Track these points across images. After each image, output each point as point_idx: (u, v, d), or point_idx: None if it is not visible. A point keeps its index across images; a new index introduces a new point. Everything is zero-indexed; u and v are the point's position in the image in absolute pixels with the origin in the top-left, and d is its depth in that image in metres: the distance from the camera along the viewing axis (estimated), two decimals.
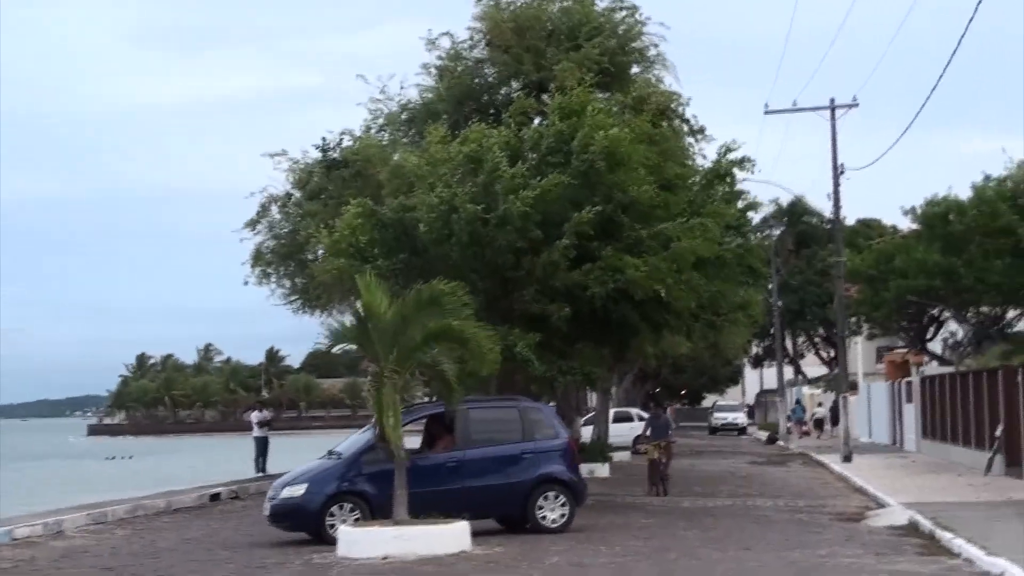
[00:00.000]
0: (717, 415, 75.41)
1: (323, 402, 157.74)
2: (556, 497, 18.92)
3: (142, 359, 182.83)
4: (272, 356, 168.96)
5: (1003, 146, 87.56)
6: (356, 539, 16.28)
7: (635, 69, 28.70)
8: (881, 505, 22.31)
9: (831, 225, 42.49)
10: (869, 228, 57.94)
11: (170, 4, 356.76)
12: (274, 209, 31.51)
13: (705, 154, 28.67)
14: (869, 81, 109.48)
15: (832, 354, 64.90)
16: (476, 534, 16.98)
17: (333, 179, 29.16)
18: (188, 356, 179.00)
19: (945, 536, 16.24)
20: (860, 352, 61.76)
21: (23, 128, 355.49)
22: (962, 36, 20.96)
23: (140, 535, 19.99)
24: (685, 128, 28.89)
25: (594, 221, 21.91)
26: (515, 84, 28.02)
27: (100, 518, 21.80)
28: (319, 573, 14.97)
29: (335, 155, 29.52)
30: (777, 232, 64.54)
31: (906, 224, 44.97)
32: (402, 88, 28.74)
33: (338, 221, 23.80)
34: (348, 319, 20.17)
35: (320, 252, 27.72)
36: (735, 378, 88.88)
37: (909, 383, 42.40)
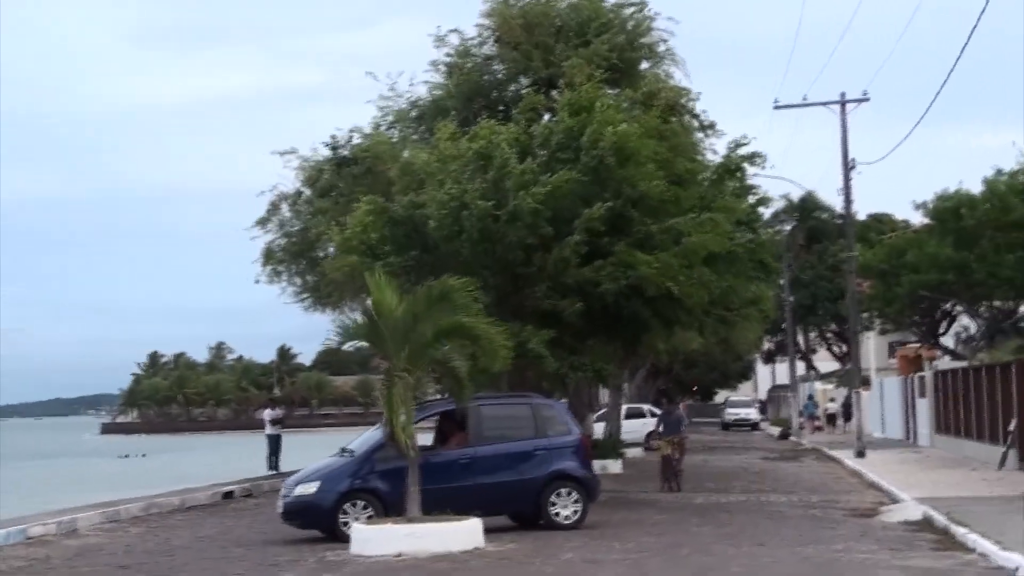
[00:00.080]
0: (729, 411, 75.35)
1: (335, 400, 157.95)
2: (569, 494, 18.90)
3: (154, 357, 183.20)
4: (284, 354, 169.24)
5: (1013, 140, 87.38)
6: (369, 536, 16.28)
7: (644, 65, 28.67)
8: (895, 500, 22.26)
9: (842, 220, 42.40)
10: (881, 223, 57.83)
11: (170, 3, 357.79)
12: (284, 207, 31.55)
13: (715, 149, 28.67)
14: (879, 75, 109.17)
15: (844, 349, 64.79)
16: (489, 531, 16.97)
17: (343, 176, 29.18)
18: (200, 354, 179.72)
19: (959, 531, 16.19)
20: (872, 347, 61.62)
21: (23, 128, 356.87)
22: (973, 29, 20.89)
23: (154, 533, 20.02)
24: (695, 124, 28.85)
25: (604, 217, 21.91)
26: (524, 80, 28.01)
27: (114, 516, 21.84)
28: (332, 570, 14.96)
29: (345, 152, 29.55)
30: (788, 227, 64.40)
31: (918, 219, 44.95)
32: (411, 85, 28.79)
33: (349, 218, 23.83)
34: (359, 316, 20.19)
35: (331, 249, 27.78)
36: (747, 374, 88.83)
37: (922, 378, 42.30)
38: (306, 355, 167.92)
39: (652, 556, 15.49)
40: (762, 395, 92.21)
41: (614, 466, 32.29)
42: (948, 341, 47.50)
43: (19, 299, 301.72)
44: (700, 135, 29.03)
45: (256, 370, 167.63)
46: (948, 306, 45.82)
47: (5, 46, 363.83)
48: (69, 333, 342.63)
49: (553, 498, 18.80)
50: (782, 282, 53.35)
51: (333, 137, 29.82)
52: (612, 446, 34.64)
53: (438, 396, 21.03)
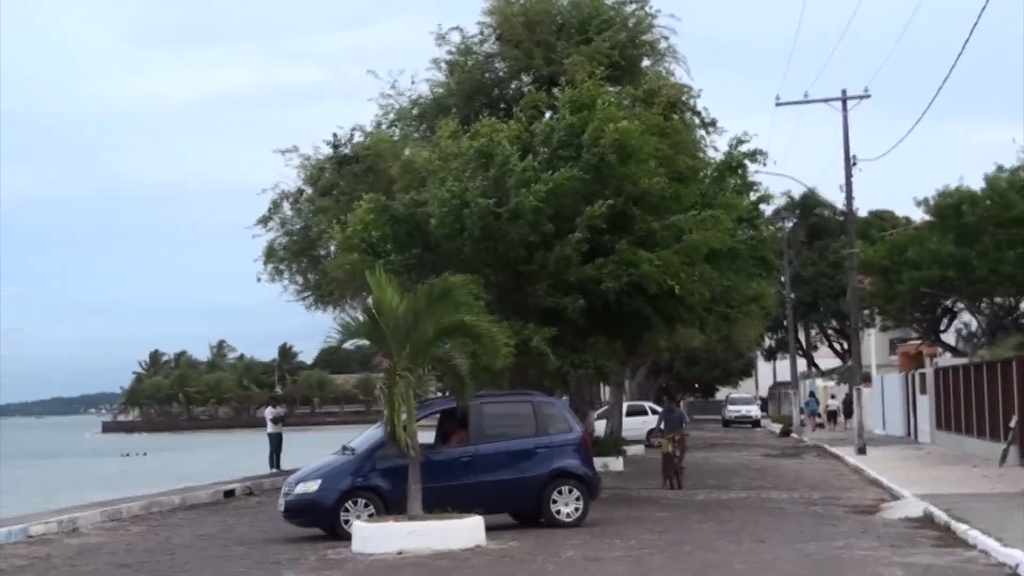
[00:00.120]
0: (730, 408, 75.34)
1: (336, 398, 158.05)
2: (570, 491, 18.91)
3: (155, 356, 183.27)
4: (285, 352, 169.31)
5: (1013, 137, 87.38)
6: (370, 534, 16.29)
7: (646, 62, 28.69)
8: (896, 497, 22.26)
9: (844, 217, 42.39)
10: (882, 219, 57.80)
11: (170, 3, 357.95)
12: (286, 205, 31.55)
13: (717, 146, 28.69)
14: (881, 72, 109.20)
15: (845, 346, 64.83)
16: (490, 529, 16.97)
17: (345, 175, 29.19)
18: (201, 353, 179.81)
19: (960, 528, 16.19)
20: (873, 344, 61.63)
21: (23, 128, 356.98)
22: (974, 25, 20.90)
23: (155, 532, 20.03)
24: (696, 121, 28.86)
25: (606, 214, 21.90)
26: (526, 78, 28.03)
27: (115, 515, 21.84)
28: (334, 569, 14.97)
29: (346, 151, 29.56)
30: (789, 224, 64.40)
31: (919, 215, 44.91)
32: (412, 83, 28.82)
33: (350, 217, 23.83)
34: (360, 315, 20.18)
35: (332, 248, 27.77)
36: (748, 371, 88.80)
37: (923, 375, 42.30)
38: (307, 353, 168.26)
39: (654, 553, 15.50)
40: (763, 392, 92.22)
41: (615, 464, 32.31)
42: (949, 338, 47.49)
43: (19, 299, 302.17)
44: (701, 132, 29.06)
45: (257, 368, 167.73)
46: (949, 303, 45.81)
47: (5, 46, 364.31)
48: (69, 333, 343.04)
49: (554, 496, 18.81)
50: (783, 279, 53.36)
51: (334, 135, 29.85)
52: (613, 444, 34.66)
53: (439, 394, 21.01)
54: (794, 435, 55.19)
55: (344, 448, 19.33)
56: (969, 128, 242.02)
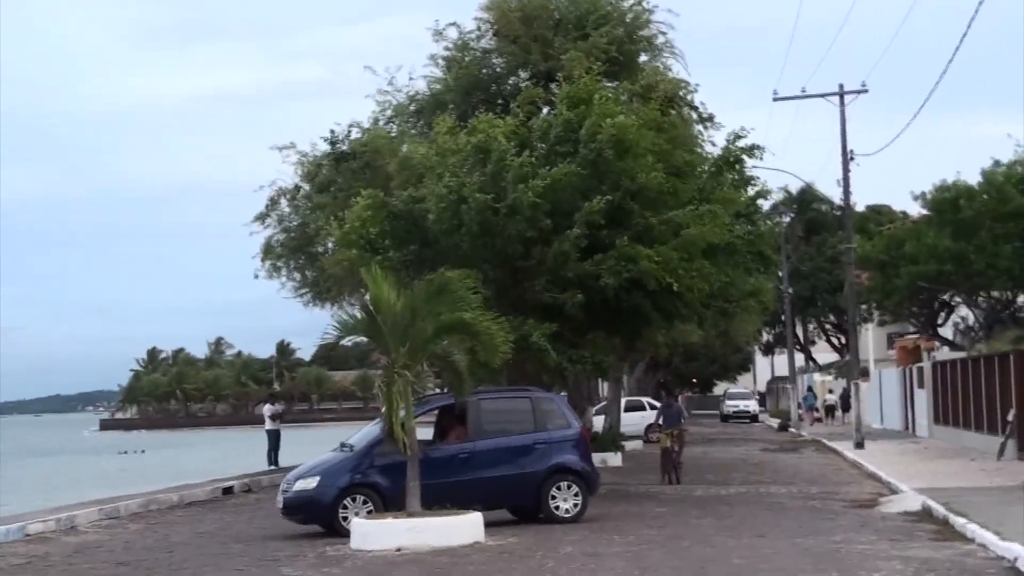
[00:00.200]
0: (728, 403, 75.40)
1: (334, 394, 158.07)
2: (569, 487, 18.90)
3: (153, 353, 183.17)
4: (283, 349, 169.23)
5: (1008, 132, 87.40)
6: (369, 531, 16.28)
7: (643, 57, 28.68)
8: (894, 491, 22.27)
9: (841, 212, 42.41)
10: (879, 214, 57.84)
11: (169, 2, 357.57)
12: (283, 202, 31.57)
13: (714, 141, 28.64)
14: (878, 66, 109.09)
15: (843, 341, 64.84)
16: (489, 525, 16.96)
17: (342, 171, 29.18)
18: (199, 350, 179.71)
19: (959, 521, 16.20)
20: (871, 338, 61.69)
21: (23, 128, 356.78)
22: (972, 19, 20.89)
23: (153, 529, 20.02)
24: (694, 116, 28.84)
25: (604, 210, 21.88)
26: (523, 74, 28.02)
27: (113, 513, 21.82)
28: (333, 565, 14.96)
29: (344, 147, 29.55)
30: (787, 219, 64.44)
31: (916, 210, 44.93)
32: (410, 79, 28.80)
33: (348, 213, 23.81)
34: (358, 311, 20.16)
35: (330, 244, 27.77)
36: (746, 366, 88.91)
37: (920, 369, 42.33)
38: (305, 350, 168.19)
39: (653, 548, 15.50)
40: (761, 387, 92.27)
41: (614, 459, 32.31)
42: (947, 332, 47.52)
43: (19, 299, 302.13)
44: (699, 127, 29.01)
45: (255, 365, 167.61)
46: (946, 297, 45.82)
47: (5, 46, 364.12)
48: (68, 332, 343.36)
49: (553, 491, 18.80)
50: (781, 274, 53.38)
51: (332, 132, 29.87)
52: (612, 439, 34.67)
53: (438, 390, 21.00)
54: (792, 430, 55.24)
55: (342, 445, 19.31)
56: (967, 122, 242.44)
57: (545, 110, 25.23)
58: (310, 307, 32.56)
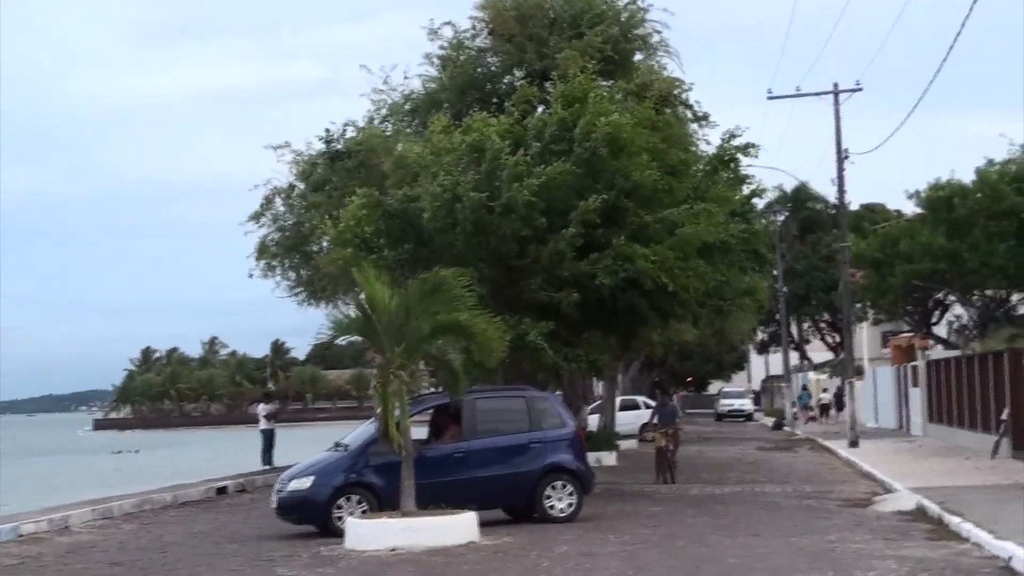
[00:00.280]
0: (723, 402, 75.46)
1: (329, 394, 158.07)
2: (564, 486, 18.89)
3: (147, 353, 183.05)
4: (277, 348, 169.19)
5: (1002, 132, 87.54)
6: (364, 531, 16.26)
7: (638, 56, 28.67)
8: (889, 490, 22.29)
9: (836, 210, 42.46)
10: (874, 213, 57.84)
11: (169, 2, 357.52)
12: (278, 201, 31.53)
13: (709, 140, 28.65)
14: (873, 64, 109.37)
15: (838, 339, 64.87)
16: (484, 524, 16.94)
17: (337, 170, 29.15)
18: (193, 350, 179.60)
19: (953, 520, 16.21)
20: (866, 337, 61.76)
21: (23, 128, 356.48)
22: (966, 17, 20.87)
23: (147, 529, 19.97)
24: (688, 114, 28.82)
25: (599, 209, 21.88)
26: (518, 73, 27.99)
27: (106, 513, 21.77)
28: (327, 565, 14.94)
29: (339, 146, 29.52)
30: (782, 218, 64.47)
31: (911, 208, 44.95)
32: (405, 78, 28.79)
33: (343, 212, 23.78)
34: (352, 311, 20.13)
35: (325, 244, 27.72)
36: (741, 364, 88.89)
37: (915, 367, 42.36)
38: (300, 349, 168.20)
39: (648, 548, 15.49)
40: (756, 386, 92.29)
41: (609, 458, 32.31)
42: (941, 330, 47.57)
43: (18, 298, 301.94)
44: (694, 126, 29.01)
45: (250, 365, 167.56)
46: (941, 295, 45.86)
47: (5, 46, 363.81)
48: (63, 331, 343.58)
49: (548, 491, 18.78)
50: (776, 272, 53.42)
51: (327, 131, 29.82)
52: (607, 438, 34.65)
53: (433, 390, 20.98)
54: (787, 428, 55.29)
55: (337, 444, 19.29)
56: (963, 121, 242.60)
57: (540, 109, 25.21)
58: (304, 306, 32.54)
